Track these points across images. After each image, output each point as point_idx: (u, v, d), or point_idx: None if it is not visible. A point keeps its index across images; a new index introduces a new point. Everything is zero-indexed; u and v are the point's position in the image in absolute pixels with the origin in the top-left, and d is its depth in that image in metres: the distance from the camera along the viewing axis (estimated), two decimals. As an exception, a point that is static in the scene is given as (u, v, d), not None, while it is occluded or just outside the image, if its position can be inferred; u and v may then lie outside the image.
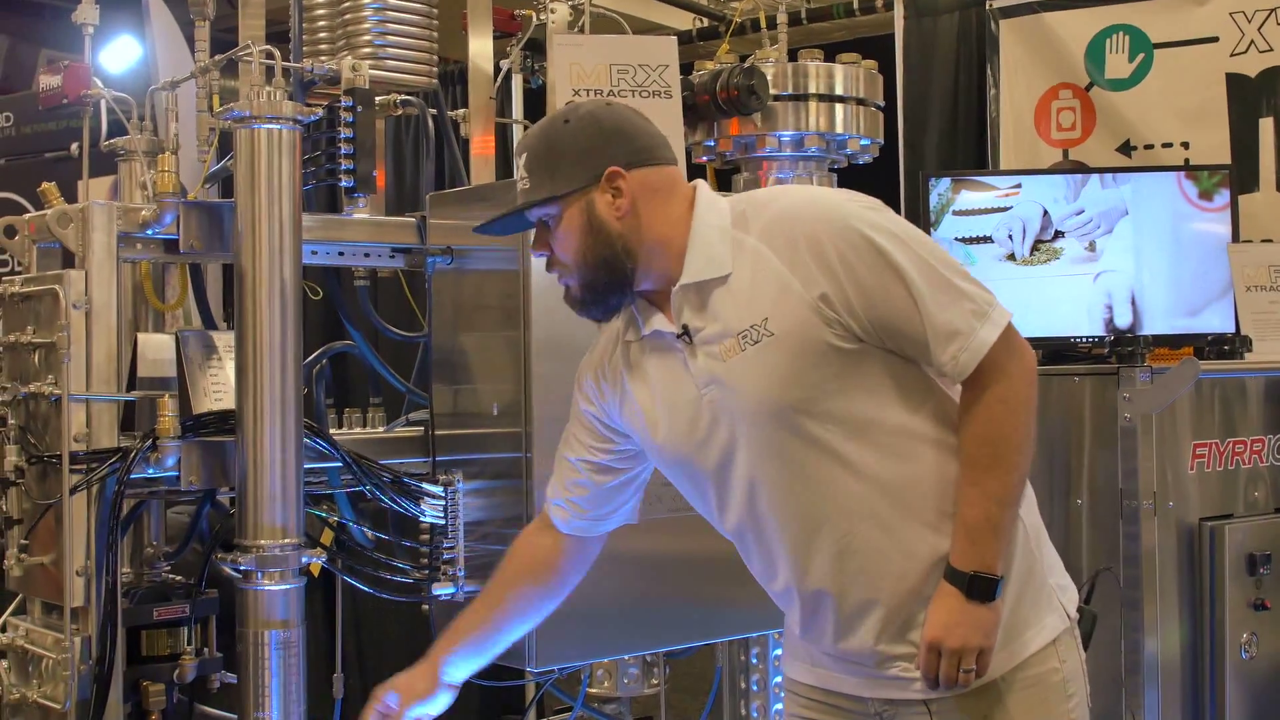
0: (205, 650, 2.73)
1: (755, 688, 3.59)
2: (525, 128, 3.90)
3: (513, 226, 2.22)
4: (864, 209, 2.03)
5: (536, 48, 3.67)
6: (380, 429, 2.96)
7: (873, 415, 2.02)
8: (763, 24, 3.78)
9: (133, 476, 2.50)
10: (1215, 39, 4.55)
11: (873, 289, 1.98)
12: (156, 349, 2.73)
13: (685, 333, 2.08)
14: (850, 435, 2.02)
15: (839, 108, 3.50)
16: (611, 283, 2.10)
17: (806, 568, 2.06)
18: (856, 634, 2.07)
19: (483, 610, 2.31)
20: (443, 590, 2.79)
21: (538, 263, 2.65)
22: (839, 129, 3.51)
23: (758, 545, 2.12)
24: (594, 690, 3.42)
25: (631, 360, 2.18)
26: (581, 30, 3.37)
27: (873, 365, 2.02)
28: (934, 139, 4.90)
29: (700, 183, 2.16)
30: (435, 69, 3.04)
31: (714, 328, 2.06)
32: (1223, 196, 4.01)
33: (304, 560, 2.53)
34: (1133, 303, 3.91)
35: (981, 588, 1.98)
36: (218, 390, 2.64)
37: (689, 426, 2.10)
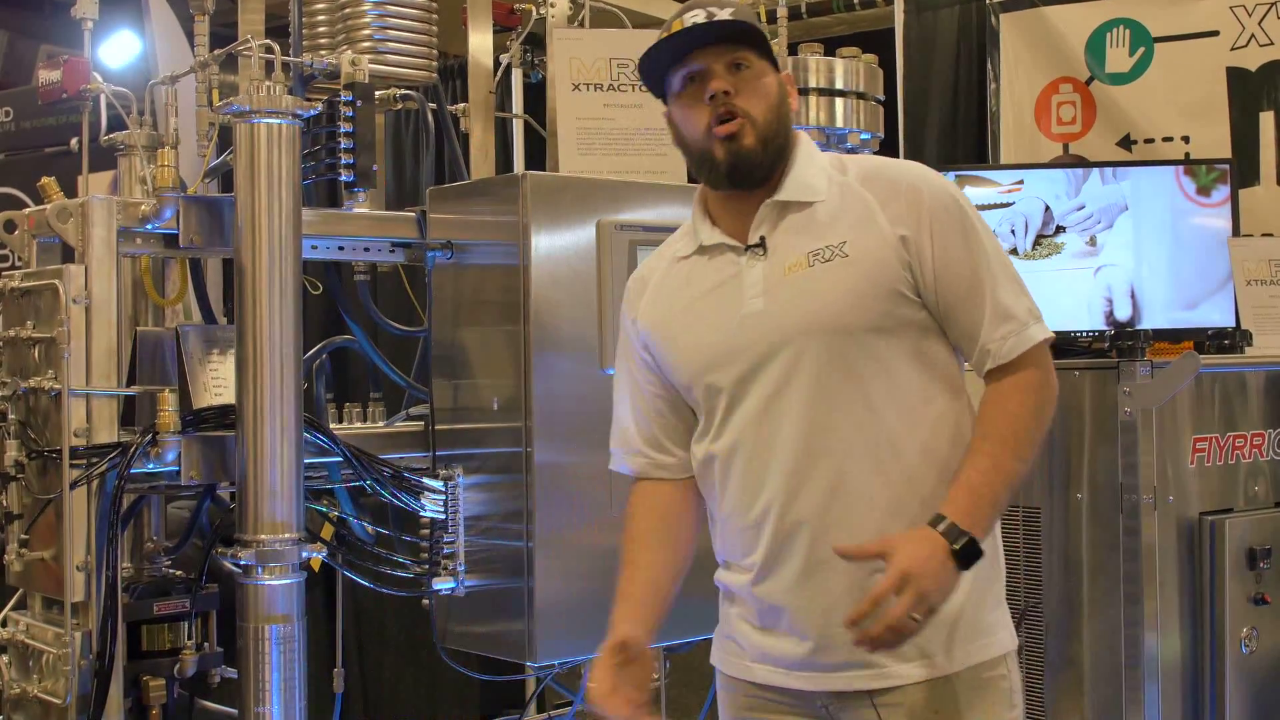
0: (206, 645, 2.73)
1: (755, 682, 3.59)
2: (525, 122, 3.91)
3: (678, 50, 2.09)
4: (956, 187, 2.11)
5: (536, 42, 3.66)
6: (380, 424, 2.96)
7: (908, 374, 2.04)
8: (763, 18, 3.78)
9: (133, 471, 2.50)
10: (1216, 33, 4.55)
11: (951, 248, 2.02)
12: (156, 344, 2.73)
13: (760, 244, 2.08)
14: (883, 379, 2.03)
15: (839, 102, 3.50)
16: (775, 161, 2.09)
17: (795, 493, 2.03)
18: (815, 584, 2.04)
19: (639, 574, 2.26)
20: (443, 585, 2.79)
21: (538, 257, 2.67)
22: (839, 123, 3.51)
23: (747, 465, 2.07)
24: (594, 685, 3.43)
25: (676, 275, 2.17)
26: (581, 24, 3.37)
27: (925, 337, 2.05)
28: (934, 133, 4.90)
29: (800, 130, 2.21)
30: (435, 63, 3.04)
31: (786, 246, 2.07)
32: (1220, 192, 4.00)
33: (304, 555, 2.53)
34: (1132, 296, 3.91)
35: (969, 552, 1.95)
36: (218, 385, 2.64)
37: (721, 337, 2.08)
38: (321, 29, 3.00)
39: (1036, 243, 3.93)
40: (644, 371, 2.20)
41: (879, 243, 2.03)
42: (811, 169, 2.11)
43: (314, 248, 2.77)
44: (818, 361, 2.03)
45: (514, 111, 3.95)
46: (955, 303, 2.03)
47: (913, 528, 1.98)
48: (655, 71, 2.13)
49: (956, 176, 4.01)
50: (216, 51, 2.82)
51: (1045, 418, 2.07)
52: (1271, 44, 4.47)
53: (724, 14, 2.07)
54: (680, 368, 2.15)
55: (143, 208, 2.60)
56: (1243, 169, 4.37)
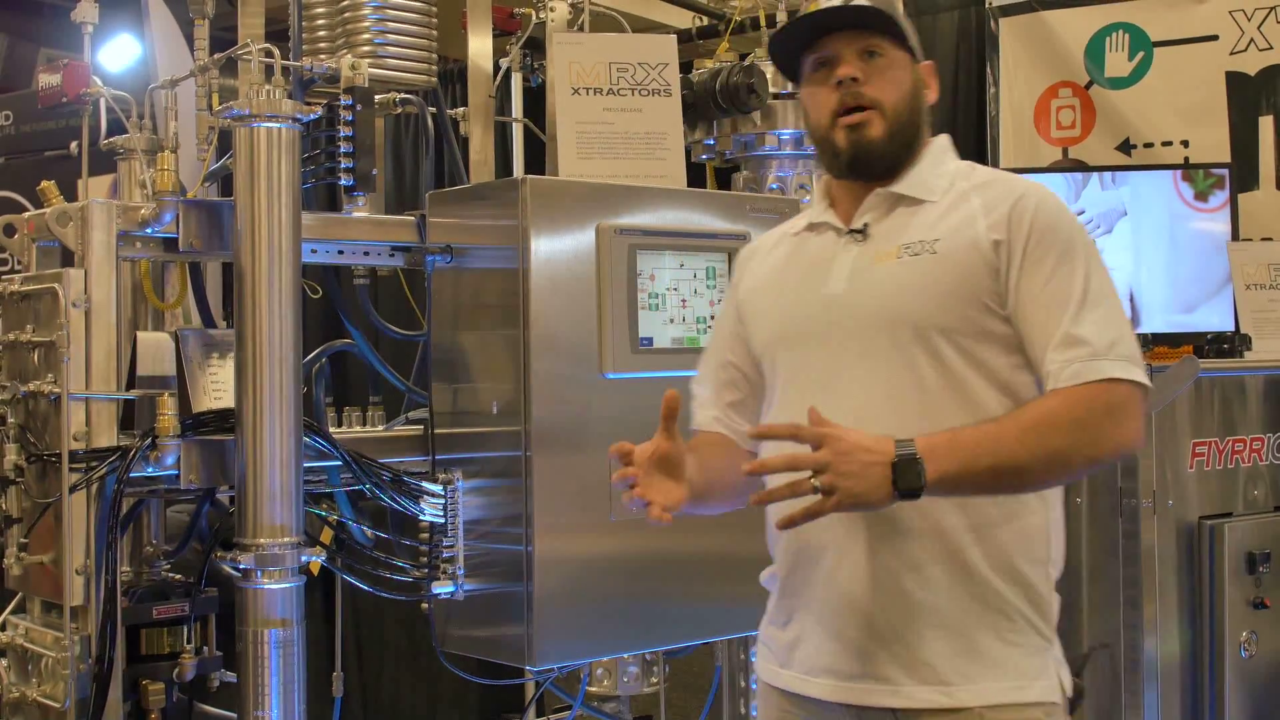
0: (205, 649, 2.72)
1: (754, 686, 3.59)
2: (525, 126, 3.91)
3: (810, 32, 2.07)
4: (1079, 222, 2.05)
5: (536, 46, 3.67)
6: (380, 427, 2.96)
7: (977, 387, 1.98)
8: (762, 22, 3.79)
9: (132, 475, 2.50)
10: (1215, 37, 4.55)
11: (1041, 268, 1.96)
12: (156, 348, 2.73)
13: (861, 230, 2.07)
14: (947, 386, 1.97)
15: (839, 106, 3.49)
16: (904, 152, 2.07)
17: None
18: (837, 585, 2.01)
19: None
20: (442, 589, 2.79)
21: (537, 261, 2.67)
22: (838, 127, 3.50)
23: (793, 449, 1.97)
24: (593, 689, 3.43)
25: (782, 249, 2.18)
26: (581, 29, 3.37)
27: (1005, 354, 1.99)
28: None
29: (943, 135, 2.18)
30: (435, 67, 3.04)
31: (885, 236, 2.05)
32: (1217, 198, 4.02)
33: (303, 559, 2.53)
34: (1131, 300, 3.92)
35: (909, 477, 1.83)
36: (217, 389, 2.64)
37: (799, 313, 2.08)
38: (321, 33, 3.00)
39: (1036, 247, 3.93)
40: (732, 341, 2.21)
41: (970, 245, 1.99)
42: (936, 170, 2.09)
43: (313, 252, 2.77)
44: (880, 355, 2.00)
45: (513, 115, 3.95)
46: (1032, 325, 1.96)
47: (947, 557, 1.96)
48: (787, 53, 2.12)
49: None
50: (216, 56, 2.82)
51: (1081, 442, 1.91)
52: (1271, 48, 4.48)
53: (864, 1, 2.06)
54: (756, 335, 2.16)
55: (142, 212, 2.60)
56: (1242, 173, 4.37)
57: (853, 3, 2.07)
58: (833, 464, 1.83)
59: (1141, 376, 1.93)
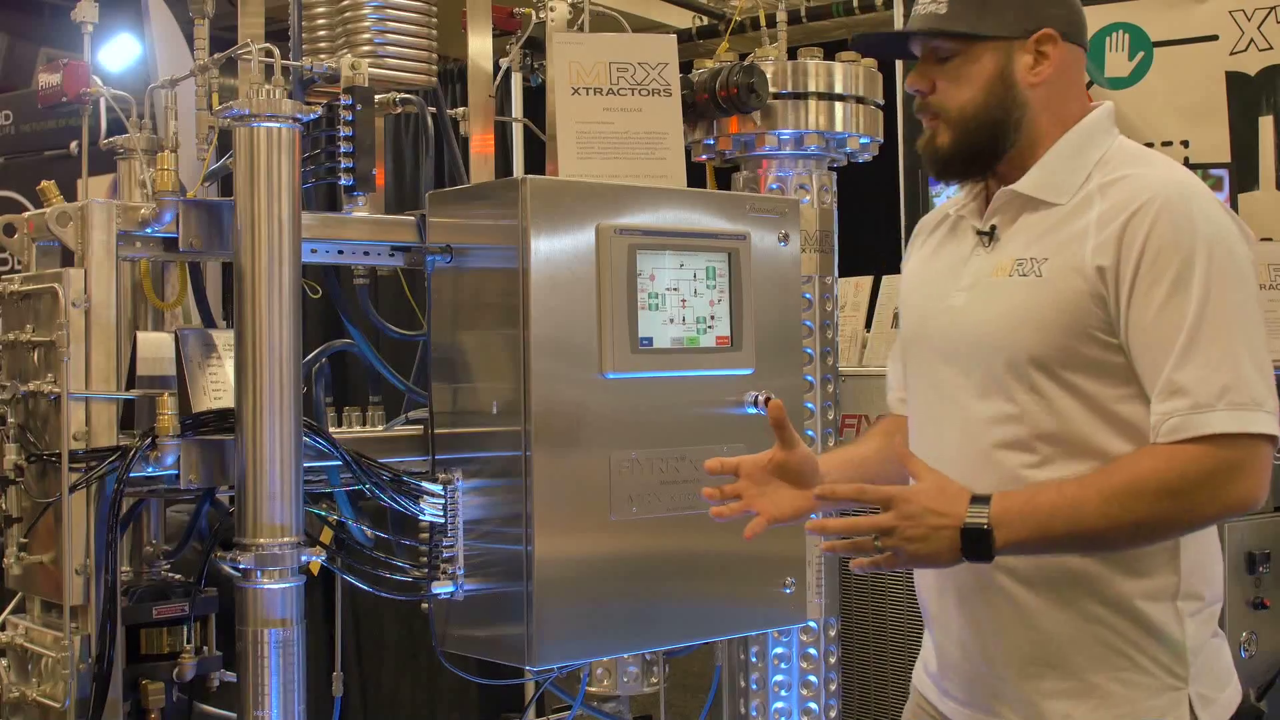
0: (204, 649, 2.73)
1: (755, 686, 3.59)
2: (525, 126, 3.91)
3: (894, 46, 2.03)
4: (1223, 228, 1.82)
5: (536, 46, 3.67)
6: (380, 427, 2.96)
7: (1080, 421, 1.85)
8: (762, 22, 3.78)
9: (132, 475, 2.49)
10: (1215, 37, 4.55)
11: (1151, 299, 1.79)
12: (156, 348, 2.72)
13: (990, 233, 1.94)
14: (1045, 417, 1.85)
15: (838, 106, 3.50)
16: (987, 149, 1.93)
17: None
18: (948, 601, 1.97)
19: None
20: (442, 589, 2.79)
21: (537, 261, 2.67)
22: (838, 127, 3.51)
23: (915, 450, 1.95)
24: (593, 689, 3.43)
25: (940, 232, 2.07)
26: (581, 28, 3.37)
27: (1117, 385, 1.83)
28: (934, 137, 4.90)
29: (1107, 106, 1.98)
30: (435, 67, 3.04)
31: (1010, 243, 1.91)
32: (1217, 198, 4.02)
33: (303, 559, 2.53)
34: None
35: (976, 544, 1.76)
36: (217, 389, 2.64)
37: (928, 318, 2.01)
38: (321, 33, 3.00)
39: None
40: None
41: (1074, 271, 1.83)
42: (1074, 162, 1.90)
43: (313, 251, 2.77)
44: (983, 380, 1.90)
45: (514, 115, 3.96)
46: (1139, 362, 1.81)
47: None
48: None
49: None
50: (216, 55, 2.81)
51: (1172, 512, 1.77)
52: (1271, 48, 4.48)
53: (932, 4, 1.93)
54: (902, 326, 2.11)
55: (142, 211, 2.60)
56: (1242, 173, 4.38)
57: (919, 22, 1.94)
58: (898, 529, 1.78)
59: (1261, 425, 1.76)
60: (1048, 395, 1.87)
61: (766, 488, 2.03)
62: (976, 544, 1.77)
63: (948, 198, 1.94)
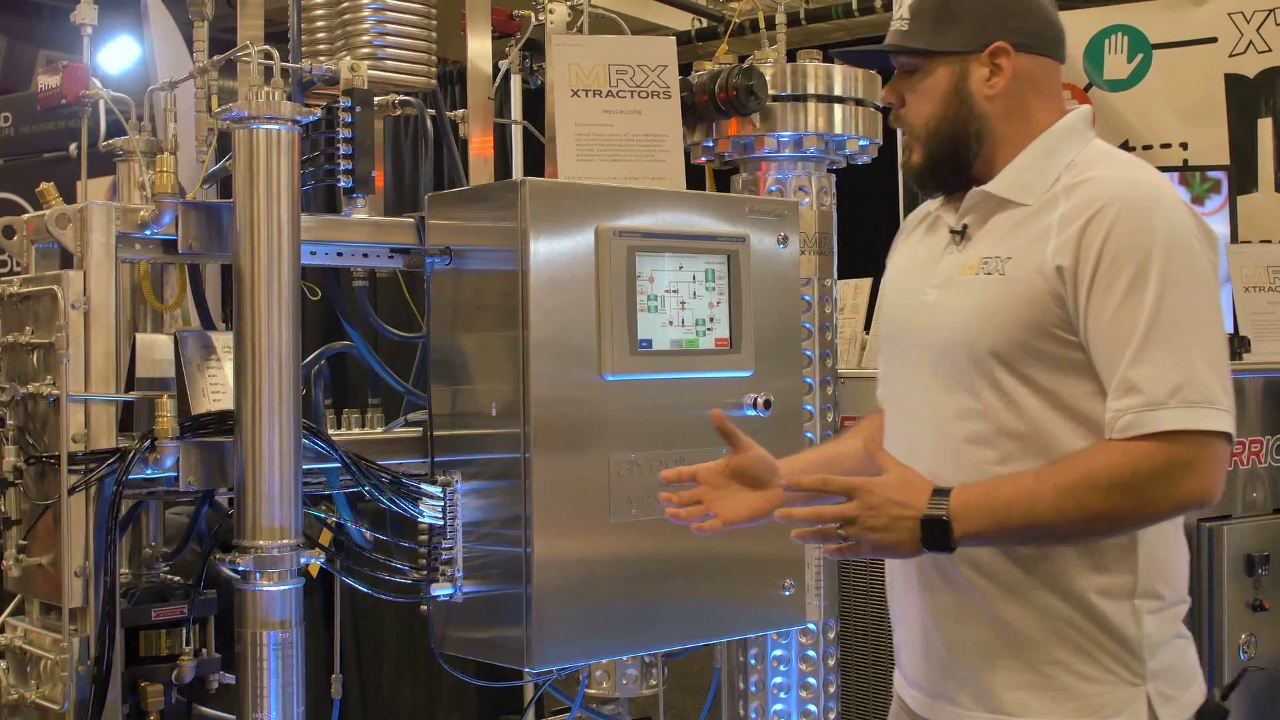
0: (204, 651, 2.72)
1: (754, 689, 3.59)
2: (524, 128, 3.91)
3: (872, 60, 2.17)
4: (1183, 230, 1.85)
5: (535, 48, 3.67)
6: (379, 430, 2.96)
7: (1037, 416, 1.89)
8: (761, 24, 3.79)
9: (131, 477, 2.49)
10: (1214, 39, 4.56)
11: (1108, 300, 1.83)
12: (155, 350, 2.73)
13: (962, 232, 2.00)
14: (1006, 413, 1.90)
15: (837, 108, 3.50)
16: (954, 161, 1.99)
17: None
18: (916, 596, 2.01)
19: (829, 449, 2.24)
20: (441, 591, 2.79)
21: (536, 263, 2.67)
22: (838, 129, 3.52)
23: (890, 447, 2.01)
24: (592, 691, 3.42)
25: (921, 228, 2.14)
26: (580, 30, 3.37)
27: (1077, 382, 1.88)
28: (933, 139, 4.91)
29: (1082, 110, 2.04)
30: (434, 69, 3.04)
31: (980, 242, 1.97)
32: (1214, 201, 4.02)
33: (302, 561, 2.53)
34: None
35: (936, 535, 1.82)
36: (216, 391, 2.64)
37: (903, 314, 2.07)
38: (320, 35, 3.00)
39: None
40: None
41: (1036, 270, 1.88)
42: (1045, 164, 1.96)
43: (313, 253, 2.77)
44: (949, 376, 1.96)
45: (513, 117, 3.96)
46: (1097, 360, 1.86)
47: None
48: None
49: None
50: (216, 57, 2.81)
51: (1124, 506, 1.82)
52: (1270, 50, 4.49)
53: (898, 23, 2.02)
54: (880, 322, 2.17)
55: (141, 213, 2.60)
56: (1241, 175, 4.38)
57: (886, 39, 2.03)
58: (860, 519, 1.84)
59: (1212, 422, 1.79)
60: (1009, 391, 1.91)
61: (724, 491, 2.11)
62: (936, 534, 1.83)
63: (1165, 247, 1.94)
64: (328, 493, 2.76)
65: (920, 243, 2.14)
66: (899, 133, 2.10)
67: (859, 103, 3.52)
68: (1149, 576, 1.97)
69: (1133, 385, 1.81)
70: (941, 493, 1.85)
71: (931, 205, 2.15)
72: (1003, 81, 1.98)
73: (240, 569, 2.48)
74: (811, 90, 3.48)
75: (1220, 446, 1.82)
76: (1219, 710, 2.11)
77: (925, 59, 2.01)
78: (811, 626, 3.54)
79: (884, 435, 2.16)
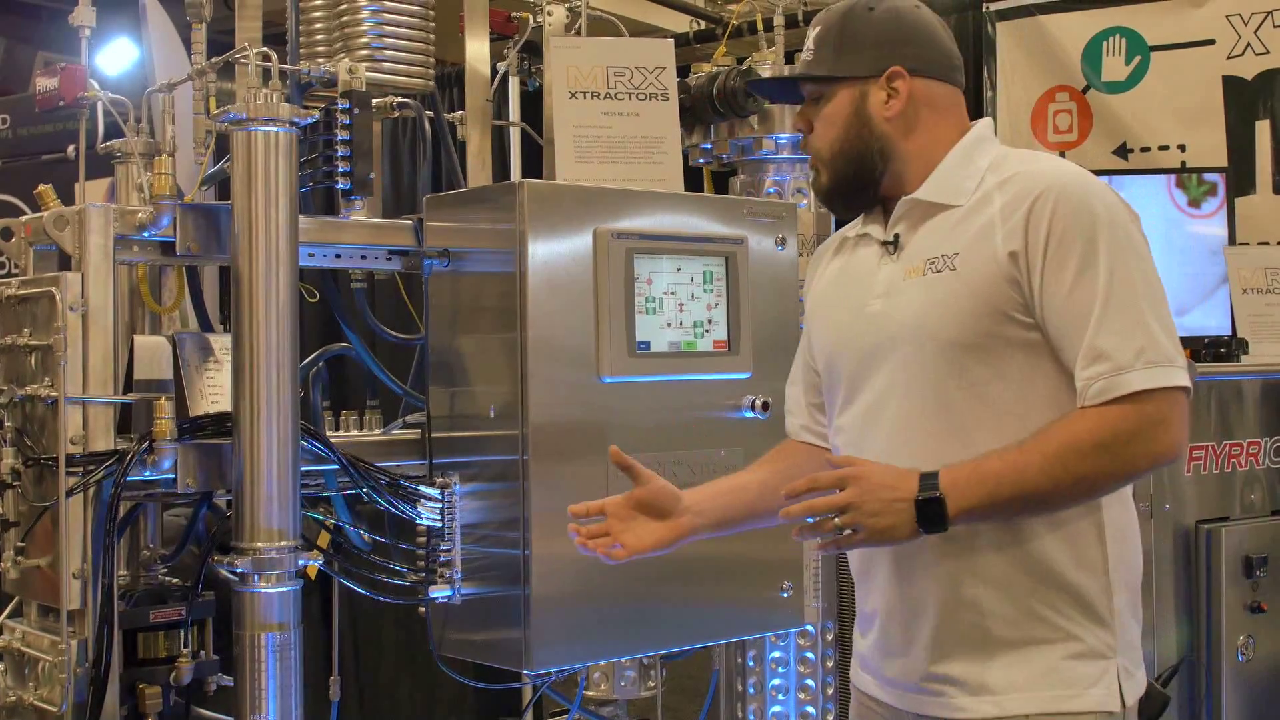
0: (202, 653, 2.72)
1: (752, 690, 3.59)
2: (522, 130, 3.91)
3: (781, 94, 2.33)
4: (1116, 209, 1.96)
5: (533, 50, 3.67)
6: (377, 431, 2.96)
7: (1005, 397, 1.96)
8: (759, 26, 3.79)
9: (129, 479, 2.49)
10: (1212, 41, 4.56)
11: (1062, 277, 1.92)
12: (153, 352, 2.72)
13: (894, 242, 2.08)
14: (976, 400, 1.96)
15: (836, 110, 3.49)
16: (858, 180, 2.10)
17: None
18: (897, 594, 2.04)
19: (743, 476, 2.30)
20: (439, 593, 2.79)
21: (534, 265, 2.67)
22: (836, 131, 3.51)
23: (864, 455, 2.06)
24: (591, 693, 3.42)
25: (841, 254, 2.21)
26: (578, 33, 3.37)
27: (1033, 358, 1.96)
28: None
29: (984, 121, 2.15)
30: (432, 71, 3.04)
31: (916, 248, 2.05)
32: (1210, 204, 4.03)
33: (301, 563, 2.53)
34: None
35: (931, 513, 1.88)
36: (214, 393, 2.64)
37: (847, 330, 2.11)
38: (319, 36, 3.00)
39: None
40: (808, 344, 2.27)
41: (988, 259, 1.96)
42: (966, 169, 2.06)
43: (311, 255, 2.77)
44: (914, 374, 2.01)
45: (511, 119, 3.96)
46: (1057, 335, 1.94)
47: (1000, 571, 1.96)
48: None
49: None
50: (214, 59, 2.81)
51: (1108, 465, 1.90)
52: (1268, 53, 4.49)
53: (805, 54, 2.13)
54: (816, 346, 2.21)
55: (140, 215, 2.60)
56: (1239, 177, 4.38)
57: (795, 69, 2.14)
58: (855, 504, 1.89)
59: (1175, 379, 1.90)
60: (978, 381, 1.98)
61: (632, 523, 2.17)
62: (931, 513, 1.89)
63: (1108, 224, 2.01)
64: (326, 494, 2.76)
65: (845, 266, 2.20)
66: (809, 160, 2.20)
67: (857, 105, 3.52)
68: (1116, 546, 2.04)
69: (1100, 353, 1.90)
70: (929, 475, 1.91)
71: (849, 231, 2.23)
72: (899, 104, 2.09)
73: (238, 571, 2.48)
74: (810, 92, 3.48)
75: (1183, 400, 1.92)
76: (1162, 697, 2.19)
77: (828, 85, 2.11)
78: (810, 628, 3.54)
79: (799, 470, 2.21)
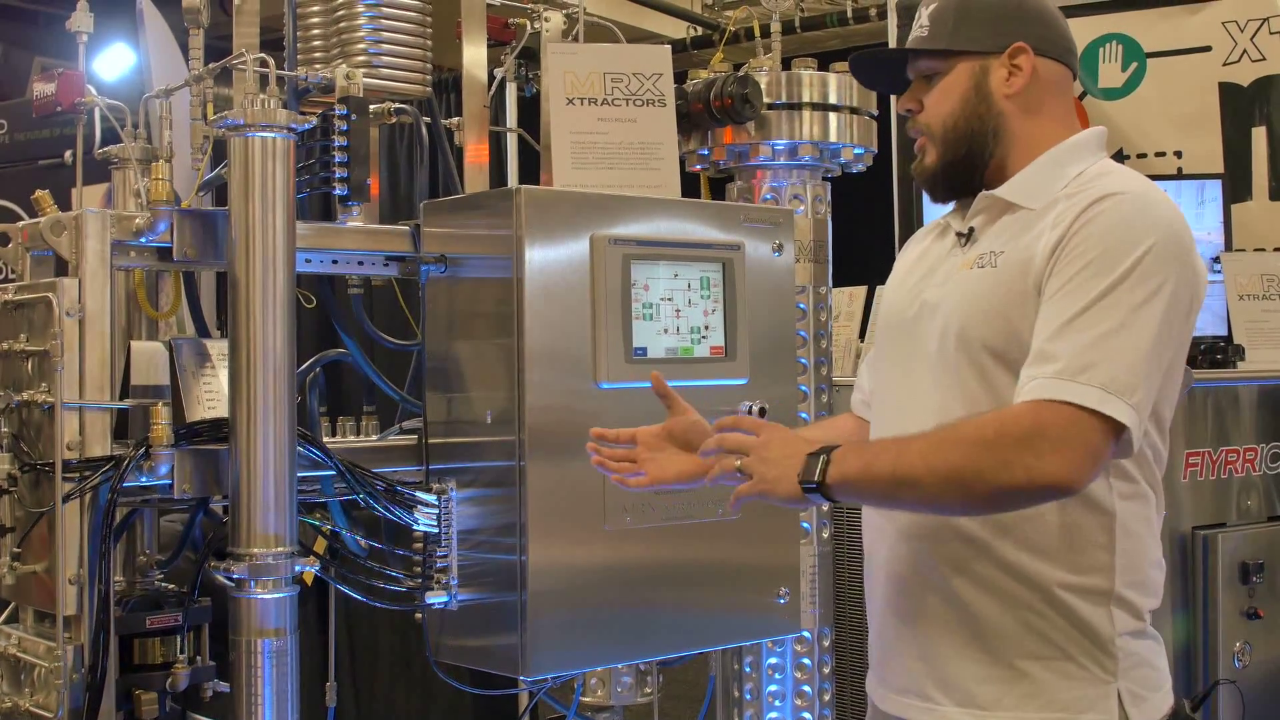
0: (198, 659, 2.72)
1: (749, 697, 3.59)
2: (519, 136, 3.91)
3: (882, 80, 2.17)
4: (1167, 238, 1.85)
5: (530, 56, 3.67)
6: (374, 437, 2.96)
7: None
8: (756, 33, 3.79)
9: (126, 485, 2.49)
10: (1208, 48, 4.57)
11: (1058, 279, 1.86)
12: (150, 357, 2.72)
13: (968, 234, 2.04)
14: (991, 403, 1.91)
15: (833, 116, 3.51)
16: (968, 161, 2.03)
17: None
18: (887, 591, 2.05)
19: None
20: (436, 599, 2.79)
21: (531, 271, 2.67)
22: (833, 138, 3.52)
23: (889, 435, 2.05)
24: (587, 699, 3.42)
25: (928, 237, 2.18)
26: (575, 39, 3.37)
27: None
28: (928, 148, 4.91)
29: (1099, 129, 2.07)
30: (429, 77, 3.04)
31: (984, 242, 2.01)
32: (1209, 208, 4.03)
33: (297, 569, 2.53)
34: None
35: (808, 472, 1.85)
36: (211, 398, 2.64)
37: (900, 313, 2.10)
38: (316, 43, 3.00)
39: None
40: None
41: (1025, 260, 1.91)
42: (1054, 172, 1.99)
43: (308, 261, 2.77)
44: (941, 366, 1.99)
45: (508, 125, 3.96)
46: (1036, 329, 1.87)
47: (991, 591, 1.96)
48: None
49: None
50: (211, 65, 2.82)
51: (980, 465, 1.78)
52: (1264, 59, 4.50)
53: (918, 29, 2.06)
54: (879, 323, 2.20)
55: (137, 221, 2.60)
56: (1235, 184, 4.39)
57: (908, 44, 2.07)
58: (755, 448, 1.91)
59: (1113, 411, 1.75)
60: (997, 384, 1.93)
61: (659, 453, 2.16)
62: (809, 467, 1.85)
63: (1144, 249, 1.94)
64: (322, 500, 2.76)
65: (927, 250, 2.18)
66: (915, 142, 2.13)
67: (854, 111, 3.53)
68: (1124, 575, 1.98)
69: (1050, 355, 1.80)
70: (836, 445, 1.90)
71: (946, 218, 2.18)
72: (1021, 81, 2.02)
73: (235, 577, 2.48)
74: (806, 98, 3.49)
75: (1107, 440, 1.77)
76: None
77: (945, 60, 2.04)
78: (806, 634, 3.54)
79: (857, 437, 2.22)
